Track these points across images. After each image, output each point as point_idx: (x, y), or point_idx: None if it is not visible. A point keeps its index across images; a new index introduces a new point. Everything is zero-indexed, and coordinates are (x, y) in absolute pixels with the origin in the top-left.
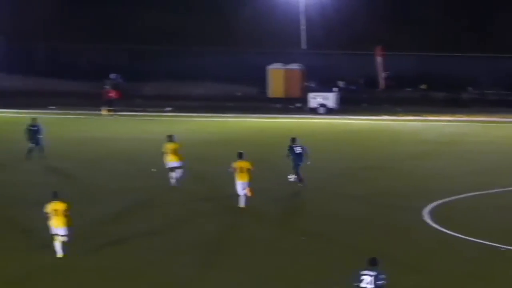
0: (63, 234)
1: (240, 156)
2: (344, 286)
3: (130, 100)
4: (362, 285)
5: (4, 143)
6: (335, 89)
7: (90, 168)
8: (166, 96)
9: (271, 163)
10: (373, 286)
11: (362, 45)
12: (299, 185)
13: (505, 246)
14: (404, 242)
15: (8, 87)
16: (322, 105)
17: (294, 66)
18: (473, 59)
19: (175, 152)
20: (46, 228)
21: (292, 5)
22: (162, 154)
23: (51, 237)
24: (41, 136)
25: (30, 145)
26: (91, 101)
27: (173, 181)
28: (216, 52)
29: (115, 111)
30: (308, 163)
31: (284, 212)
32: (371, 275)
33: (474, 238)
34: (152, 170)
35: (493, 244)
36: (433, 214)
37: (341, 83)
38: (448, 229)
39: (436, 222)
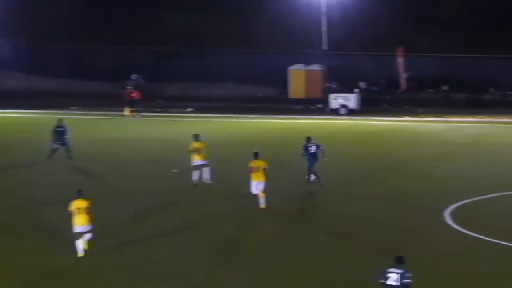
0: (87, 231)
1: (256, 155)
2: (367, 284)
3: (151, 101)
4: (388, 282)
5: (26, 143)
6: (356, 90)
7: (112, 168)
8: (188, 97)
9: (290, 164)
10: (399, 283)
11: (383, 46)
12: (318, 183)
13: None
14: (425, 243)
15: (29, 87)
16: (343, 106)
17: (315, 67)
18: (495, 60)
19: (201, 151)
20: (68, 227)
21: (314, 6)
22: (188, 152)
23: (74, 235)
24: (67, 137)
25: (55, 146)
26: (112, 102)
27: (195, 178)
28: (238, 53)
29: (137, 111)
30: (325, 159)
31: (303, 212)
32: (397, 273)
33: (495, 239)
34: (173, 170)
35: None
36: (454, 215)
37: (362, 84)
38: (469, 231)
39: (457, 223)
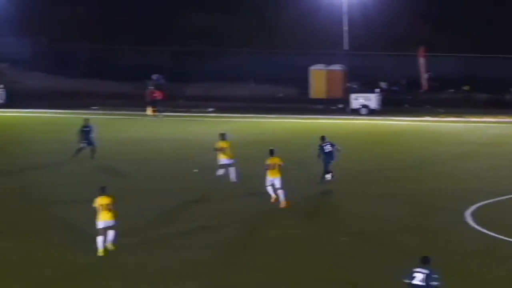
0: (110, 226)
1: (271, 153)
2: (389, 284)
3: (173, 101)
4: (414, 282)
5: (47, 143)
6: (377, 90)
7: (133, 168)
8: (209, 97)
9: (310, 163)
10: (424, 284)
11: (404, 46)
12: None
13: None
14: (446, 243)
15: (49, 87)
16: (364, 106)
17: (336, 67)
18: None
19: (227, 150)
20: (89, 226)
21: (335, 6)
22: (214, 151)
23: (97, 231)
24: (93, 136)
25: (81, 145)
26: (133, 101)
27: (219, 175)
28: (259, 53)
29: (159, 111)
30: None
31: (322, 211)
32: (423, 273)
33: None
34: (194, 170)
35: None
36: (475, 215)
37: (383, 84)
38: (489, 231)
39: (477, 224)
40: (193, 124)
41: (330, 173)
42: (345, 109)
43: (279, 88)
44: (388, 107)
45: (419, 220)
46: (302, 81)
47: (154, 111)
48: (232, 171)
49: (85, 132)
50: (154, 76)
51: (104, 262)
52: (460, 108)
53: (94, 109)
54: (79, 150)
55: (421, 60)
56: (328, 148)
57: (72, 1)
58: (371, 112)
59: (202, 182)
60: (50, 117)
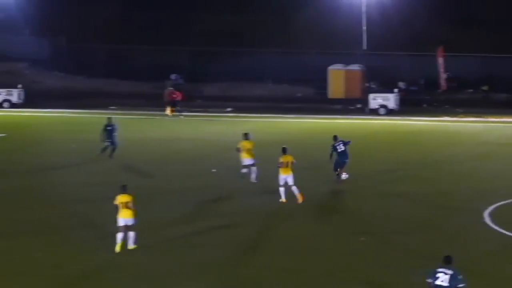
0: (130, 224)
1: (284, 151)
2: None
3: (191, 101)
4: (437, 282)
5: (66, 143)
6: (395, 90)
7: (151, 168)
8: (227, 97)
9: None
10: (447, 284)
11: (423, 46)
12: (336, 177)
13: None
14: (464, 244)
15: (68, 87)
16: (383, 106)
17: (355, 67)
18: None
19: (250, 150)
20: (106, 223)
21: (354, 5)
22: (237, 151)
23: (117, 228)
24: (116, 135)
25: (106, 143)
26: (152, 101)
27: (244, 173)
28: (277, 53)
29: (178, 111)
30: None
31: (339, 211)
32: (447, 273)
33: None
34: (213, 170)
35: None
36: (494, 216)
37: (401, 84)
38: (508, 231)
39: (496, 224)
40: (211, 124)
41: (337, 172)
42: (364, 109)
43: (297, 88)
44: (407, 107)
45: (437, 220)
46: (321, 81)
47: (172, 111)
48: (253, 171)
49: (109, 131)
50: (173, 76)
51: (117, 261)
52: (479, 108)
53: (112, 109)
54: (105, 149)
55: (440, 60)
56: (341, 147)
57: (91, 1)
58: (390, 112)
59: (220, 182)
60: (68, 117)
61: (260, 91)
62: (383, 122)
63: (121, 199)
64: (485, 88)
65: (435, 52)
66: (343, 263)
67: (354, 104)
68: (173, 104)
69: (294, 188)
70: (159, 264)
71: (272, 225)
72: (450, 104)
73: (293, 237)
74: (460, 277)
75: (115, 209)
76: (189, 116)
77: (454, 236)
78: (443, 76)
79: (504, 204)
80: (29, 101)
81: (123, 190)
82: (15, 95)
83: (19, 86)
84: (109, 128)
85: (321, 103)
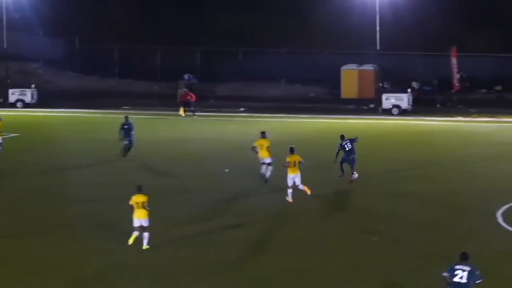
0: (145, 225)
1: (291, 150)
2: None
3: (204, 101)
4: (456, 279)
5: (79, 143)
6: (409, 90)
7: (164, 167)
8: (240, 97)
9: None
10: (466, 281)
11: (436, 46)
12: (339, 176)
13: None
14: (476, 244)
15: (81, 87)
16: (396, 106)
17: (368, 67)
18: None
19: (268, 148)
20: (120, 223)
21: (367, 5)
22: (252, 150)
23: (132, 228)
24: (133, 133)
25: (125, 142)
26: (165, 101)
27: (263, 172)
28: (290, 53)
29: (192, 111)
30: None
31: (349, 211)
32: (465, 270)
33: None
34: (226, 170)
35: None
36: (507, 216)
37: (415, 84)
38: None
39: (509, 224)
40: (224, 124)
41: (341, 174)
42: (377, 109)
43: (311, 88)
44: (420, 107)
45: (449, 220)
46: (334, 81)
47: (185, 111)
48: (269, 170)
49: (126, 129)
50: (186, 76)
51: (130, 260)
52: (492, 108)
53: (126, 109)
54: (125, 148)
55: (453, 60)
56: (348, 146)
57: (104, 2)
58: (403, 112)
59: (233, 181)
60: (82, 117)
61: (273, 91)
62: (396, 122)
63: (136, 199)
64: (498, 88)
65: (449, 52)
66: (352, 263)
67: (367, 104)
68: (187, 104)
69: (302, 186)
70: (171, 263)
71: (282, 225)
72: (464, 104)
73: (302, 236)
74: (477, 272)
75: (130, 209)
76: (202, 116)
77: (466, 236)
78: (456, 76)
79: None
80: (42, 101)
81: (139, 190)
82: (28, 95)
83: (33, 86)
84: (126, 126)
85: (334, 103)
